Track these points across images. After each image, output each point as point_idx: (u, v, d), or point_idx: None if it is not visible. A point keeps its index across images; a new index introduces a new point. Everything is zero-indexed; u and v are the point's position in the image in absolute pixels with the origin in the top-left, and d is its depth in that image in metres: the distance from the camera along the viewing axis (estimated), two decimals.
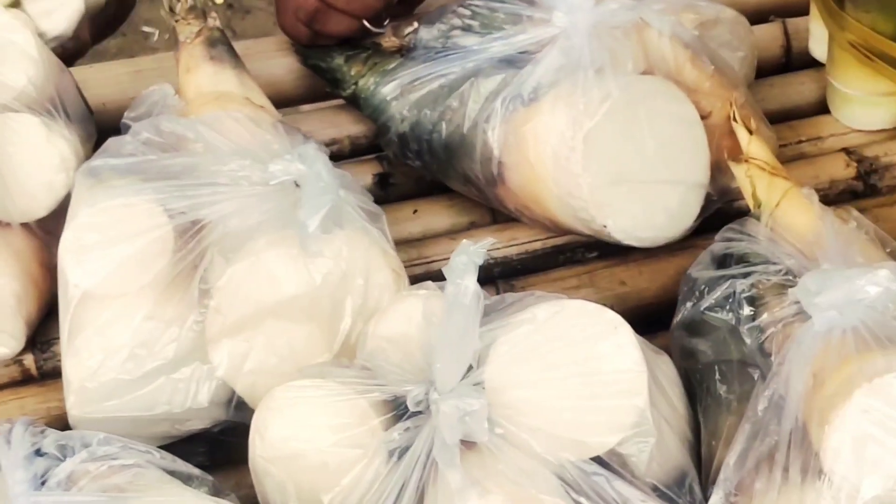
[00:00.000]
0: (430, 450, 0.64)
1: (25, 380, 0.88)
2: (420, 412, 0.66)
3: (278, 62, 1.10)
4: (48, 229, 0.88)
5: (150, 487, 0.67)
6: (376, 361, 0.71)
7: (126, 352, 0.76)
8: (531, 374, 0.65)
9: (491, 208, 0.96)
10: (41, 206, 0.87)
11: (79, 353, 0.77)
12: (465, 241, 0.65)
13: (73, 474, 0.67)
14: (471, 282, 0.63)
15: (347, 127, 1.05)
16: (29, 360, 0.88)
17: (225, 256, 0.76)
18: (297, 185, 0.78)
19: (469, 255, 0.63)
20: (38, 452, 0.69)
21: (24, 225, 0.87)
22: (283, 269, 0.75)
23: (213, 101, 0.91)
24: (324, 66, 1.05)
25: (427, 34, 0.98)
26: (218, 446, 0.79)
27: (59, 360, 0.85)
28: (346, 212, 0.79)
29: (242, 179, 0.79)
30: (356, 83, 1.01)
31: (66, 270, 0.78)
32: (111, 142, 0.85)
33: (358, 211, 0.80)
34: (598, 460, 0.65)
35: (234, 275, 0.75)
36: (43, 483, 0.67)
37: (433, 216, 0.98)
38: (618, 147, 0.83)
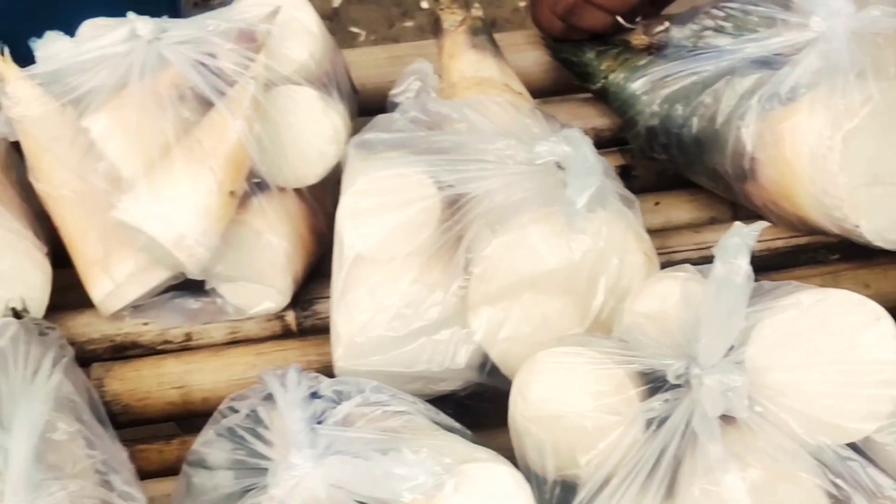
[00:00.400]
0: (689, 422, 0.66)
1: (286, 334, 0.94)
2: (679, 385, 0.68)
3: (528, 55, 1.14)
4: (316, 196, 0.94)
5: (422, 432, 0.71)
6: (633, 336, 0.74)
7: (393, 311, 0.81)
8: (793, 357, 0.67)
9: (733, 204, 0.98)
10: (314, 174, 0.92)
11: (350, 309, 0.82)
12: (737, 223, 0.68)
13: (349, 416, 0.72)
14: (743, 262, 0.65)
15: (592, 119, 1.08)
16: (290, 316, 0.94)
17: (491, 228, 0.80)
18: (560, 167, 0.81)
19: (742, 236, 0.66)
20: (314, 395, 0.75)
21: (297, 190, 0.92)
22: (545, 243, 0.79)
23: (474, 85, 0.95)
24: (574, 60, 1.09)
25: (678, 33, 1.00)
26: (463, 409, 0.81)
27: (318, 319, 0.93)
28: (606, 195, 0.81)
29: (508, 158, 0.83)
30: (606, 77, 1.04)
31: (343, 233, 0.83)
32: (381, 118, 0.91)
33: (615, 195, 0.83)
34: (853, 446, 0.67)
35: (498, 246, 0.79)
36: (319, 423, 0.72)
37: (674, 209, 1.00)
38: (876, 149, 0.84)
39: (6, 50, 0.91)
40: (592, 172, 0.79)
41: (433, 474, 0.65)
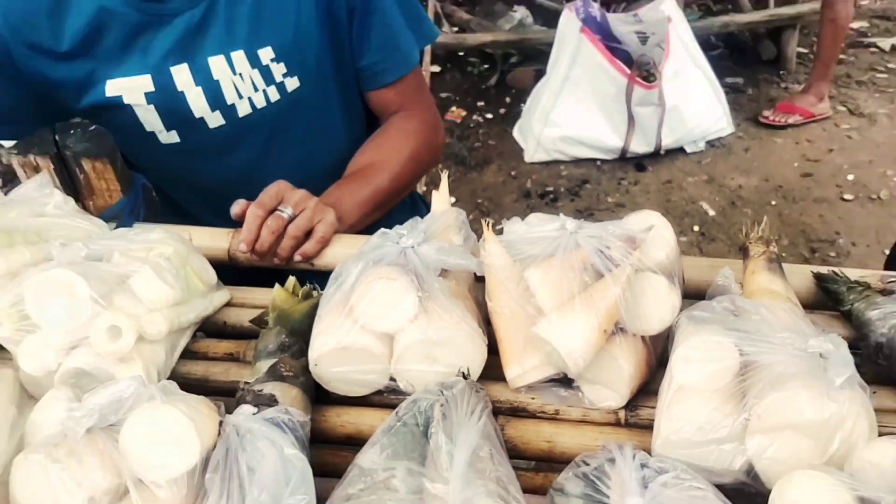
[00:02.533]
0: None
1: (617, 424, 1.02)
2: None
3: (802, 280, 1.18)
4: (653, 342, 1.02)
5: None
6: (859, 474, 0.81)
7: (698, 424, 0.88)
8: None
9: None
10: (656, 329, 1.01)
11: (670, 417, 0.90)
12: None
13: (666, 483, 0.81)
14: None
15: (839, 329, 1.11)
16: (622, 413, 1.01)
17: (772, 386, 0.86)
18: (822, 357, 0.88)
19: None
20: (643, 465, 0.84)
21: (643, 337, 1.01)
22: (808, 403, 0.84)
23: (767, 294, 1.03)
24: (832, 289, 1.12)
25: None
26: (730, 497, 0.84)
27: (640, 419, 1.01)
28: (852, 381, 0.86)
29: (788, 344, 0.90)
30: (853, 304, 1.09)
31: (674, 369, 0.92)
32: (703, 303, 0.99)
33: (855, 382, 0.87)
34: None
35: (776, 398, 0.85)
36: (645, 484, 0.81)
37: (886, 399, 1.02)
38: None
39: (488, 223, 1.06)
40: (847, 364, 0.87)
41: None
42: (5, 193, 1.21)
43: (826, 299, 1.15)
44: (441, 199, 1.21)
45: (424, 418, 0.93)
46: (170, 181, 1.60)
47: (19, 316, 1.02)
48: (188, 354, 1.13)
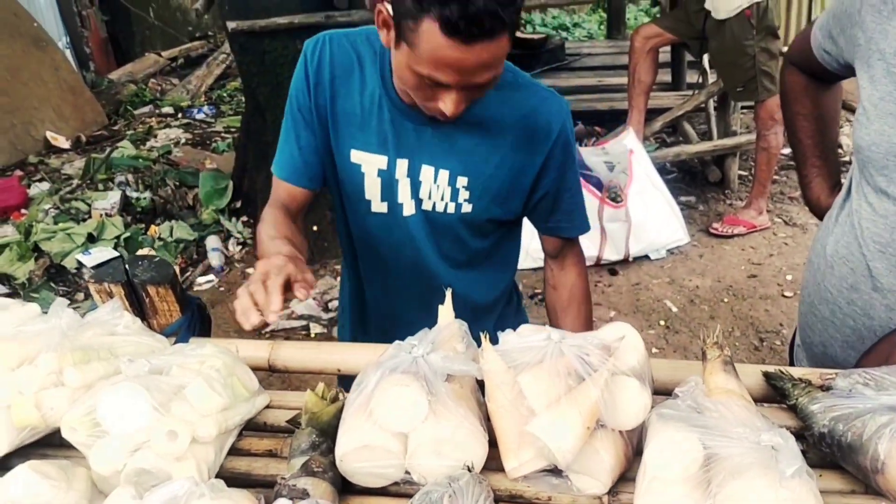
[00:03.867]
0: None
1: None
2: None
3: (753, 379, 1.15)
4: (629, 435, 1.00)
5: None
6: None
7: None
8: None
9: (867, 486, 0.97)
10: (631, 424, 0.99)
11: (646, 501, 0.88)
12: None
13: None
14: None
15: (786, 421, 1.08)
16: (606, 498, 0.98)
17: (732, 476, 0.84)
18: (774, 449, 0.86)
19: None
20: None
21: (620, 432, 0.99)
22: (764, 490, 0.82)
23: (724, 392, 1.01)
24: (779, 386, 1.11)
25: (842, 383, 1.03)
26: None
27: (622, 501, 0.97)
28: (801, 470, 0.84)
29: (744, 437, 0.88)
30: (797, 399, 1.07)
31: (648, 462, 0.90)
32: (669, 402, 0.98)
33: (804, 470, 0.85)
34: None
35: (735, 488, 0.84)
36: None
37: (831, 481, 0.99)
38: None
39: (486, 335, 1.05)
40: (796, 456, 0.84)
41: None
42: (82, 316, 1.21)
43: (774, 394, 1.13)
44: (446, 312, 1.20)
45: None
46: (365, 246, 1.59)
47: (92, 423, 1.01)
48: (234, 451, 1.11)
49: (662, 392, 1.05)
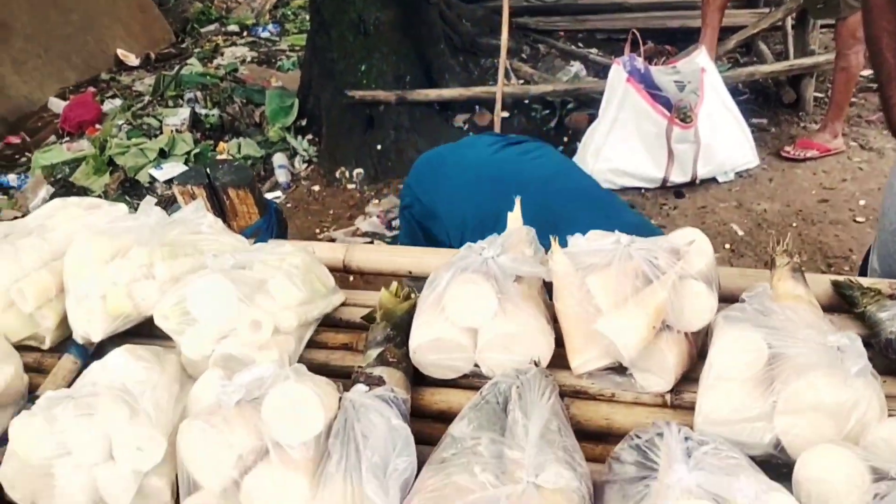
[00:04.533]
0: None
1: (664, 405, 1.01)
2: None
3: (821, 287, 1.15)
4: (694, 337, 1.02)
5: (745, 469, 0.78)
6: (872, 447, 0.80)
7: (733, 407, 0.88)
8: None
9: None
10: (697, 326, 1.01)
11: (710, 400, 0.91)
12: None
13: (706, 452, 0.79)
14: None
15: (853, 328, 1.06)
16: (668, 396, 1.02)
17: (796, 374, 0.86)
18: (840, 350, 0.87)
19: None
20: (687, 438, 0.82)
21: (685, 333, 1.01)
22: (827, 388, 0.84)
23: (791, 298, 1.02)
24: (847, 294, 1.11)
25: None
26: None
27: (682, 402, 1.00)
28: (866, 370, 0.85)
29: (810, 339, 0.89)
30: (866, 307, 1.07)
31: (713, 360, 0.92)
32: (736, 305, 0.98)
33: (868, 370, 0.86)
34: None
35: (801, 384, 0.85)
36: (688, 453, 0.79)
37: (891, 387, 0.99)
38: None
39: (556, 238, 1.07)
40: (861, 356, 0.86)
41: (755, 491, 0.72)
42: (169, 215, 1.27)
43: (842, 304, 1.13)
44: (515, 218, 1.23)
45: (504, 398, 0.94)
46: None
47: (182, 312, 1.08)
48: (312, 344, 1.17)
49: (729, 299, 1.06)
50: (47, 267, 1.22)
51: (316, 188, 4.04)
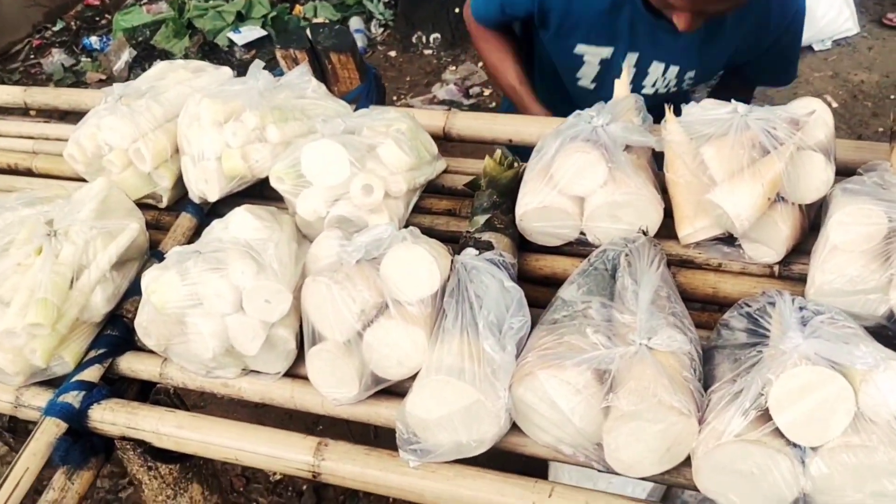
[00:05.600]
0: None
1: (772, 276, 1.01)
2: None
3: None
4: (808, 209, 1.00)
5: (863, 338, 0.78)
6: None
7: (848, 277, 0.88)
8: None
9: None
10: (811, 198, 0.98)
11: (823, 270, 0.89)
12: None
13: (822, 321, 0.79)
14: None
15: None
16: (777, 267, 1.01)
17: None
18: None
19: None
20: (801, 308, 0.83)
21: (799, 205, 0.98)
22: None
23: None
24: None
25: None
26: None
27: (791, 273, 1.00)
28: None
29: None
30: None
31: (830, 232, 0.90)
32: (855, 178, 0.96)
33: None
34: None
35: None
36: (803, 322, 0.80)
37: None
38: None
39: (671, 106, 1.05)
40: None
41: (875, 358, 0.74)
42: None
43: None
44: (622, 86, 1.20)
45: (612, 265, 0.96)
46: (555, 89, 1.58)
47: (296, 174, 1.11)
48: (417, 209, 1.20)
49: (844, 172, 1.03)
50: (162, 128, 1.25)
51: (392, 53, 3.98)
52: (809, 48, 3.58)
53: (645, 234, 1.01)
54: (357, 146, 1.10)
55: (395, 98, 3.65)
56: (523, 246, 1.09)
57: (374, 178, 1.07)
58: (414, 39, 3.96)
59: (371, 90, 1.35)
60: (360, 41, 3.99)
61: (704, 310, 1.01)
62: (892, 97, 3.35)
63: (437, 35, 3.91)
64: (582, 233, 1.07)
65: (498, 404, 0.84)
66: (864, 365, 0.72)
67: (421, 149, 1.18)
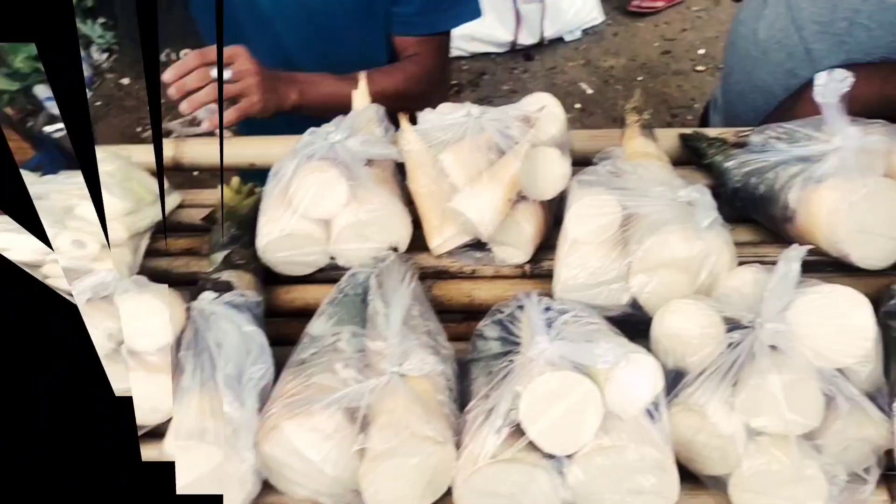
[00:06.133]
0: (752, 346, 0.74)
1: (524, 276, 1.00)
2: (748, 327, 0.75)
3: (671, 142, 1.15)
4: (549, 205, 1.01)
5: (605, 335, 0.79)
6: (724, 299, 0.81)
7: (590, 270, 0.88)
8: (813, 319, 0.74)
9: (776, 235, 1.00)
10: (551, 194, 0.99)
11: (567, 266, 0.89)
12: (794, 244, 0.75)
13: (567, 321, 0.79)
14: (797, 265, 0.73)
15: (702, 180, 1.05)
16: (527, 267, 1.00)
17: (650, 231, 0.86)
18: (690, 205, 0.88)
19: (797, 251, 0.74)
20: (547, 308, 0.82)
21: (540, 202, 0.99)
22: (679, 243, 0.84)
23: (642, 156, 1.02)
24: (694, 146, 1.12)
25: (755, 138, 1.02)
26: (621, 326, 0.83)
27: (541, 270, 0.99)
28: (716, 222, 0.87)
29: (661, 196, 0.89)
30: (712, 158, 1.07)
31: (568, 226, 0.90)
32: (590, 168, 0.97)
33: (719, 223, 0.88)
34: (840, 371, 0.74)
35: (653, 242, 0.85)
36: (549, 323, 0.79)
37: (743, 234, 1.01)
38: (865, 212, 0.88)
39: (405, 115, 1.01)
40: (711, 209, 0.87)
41: (615, 355, 0.74)
42: None
43: (690, 156, 1.13)
44: (361, 97, 1.15)
45: (363, 288, 0.90)
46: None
47: None
48: (152, 253, 1.07)
49: (582, 163, 1.03)
50: None
51: (125, 81, 3.65)
52: (560, 39, 3.76)
53: (395, 250, 0.96)
54: (50, 210, 0.96)
55: (139, 129, 3.34)
56: (271, 278, 1.00)
57: (83, 232, 0.94)
58: (163, 57, 3.66)
59: (55, 156, 1.19)
60: (86, 71, 3.59)
61: (465, 320, 0.97)
62: (640, 78, 3.61)
63: (189, 50, 3.64)
64: (332, 257, 0.99)
65: (242, 468, 0.75)
66: (605, 363, 0.72)
67: (139, 189, 1.05)
